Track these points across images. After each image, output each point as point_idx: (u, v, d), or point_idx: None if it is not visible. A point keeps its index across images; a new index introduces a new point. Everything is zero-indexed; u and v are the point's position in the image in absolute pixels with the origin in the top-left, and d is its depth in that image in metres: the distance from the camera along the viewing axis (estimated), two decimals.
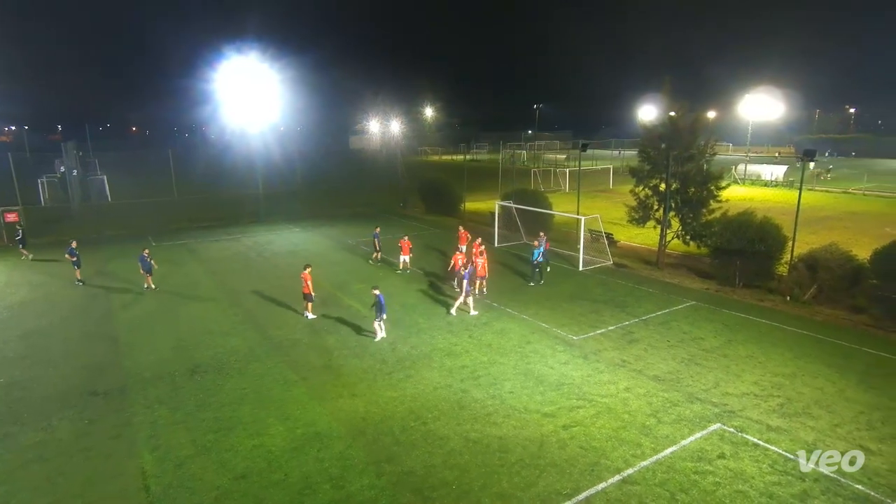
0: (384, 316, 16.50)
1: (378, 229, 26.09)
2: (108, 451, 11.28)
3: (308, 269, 18.38)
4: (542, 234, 23.49)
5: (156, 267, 22.16)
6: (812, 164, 57.65)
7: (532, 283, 22.20)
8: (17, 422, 12.36)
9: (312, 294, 18.52)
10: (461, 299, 18.91)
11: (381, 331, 16.71)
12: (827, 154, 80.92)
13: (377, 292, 16.28)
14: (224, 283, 22.85)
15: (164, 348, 16.27)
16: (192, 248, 29.57)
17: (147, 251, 21.97)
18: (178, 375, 14.51)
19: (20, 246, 26.99)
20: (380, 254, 25.47)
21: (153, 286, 21.88)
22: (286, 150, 58.74)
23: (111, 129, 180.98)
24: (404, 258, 24.09)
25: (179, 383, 14.08)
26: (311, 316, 18.58)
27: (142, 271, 21.80)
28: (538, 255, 21.94)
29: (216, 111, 43.97)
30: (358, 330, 17.51)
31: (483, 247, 21.74)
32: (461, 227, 26.33)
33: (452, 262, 21.32)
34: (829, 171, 57.40)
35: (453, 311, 18.89)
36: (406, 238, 24.26)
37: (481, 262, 20.45)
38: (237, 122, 41.47)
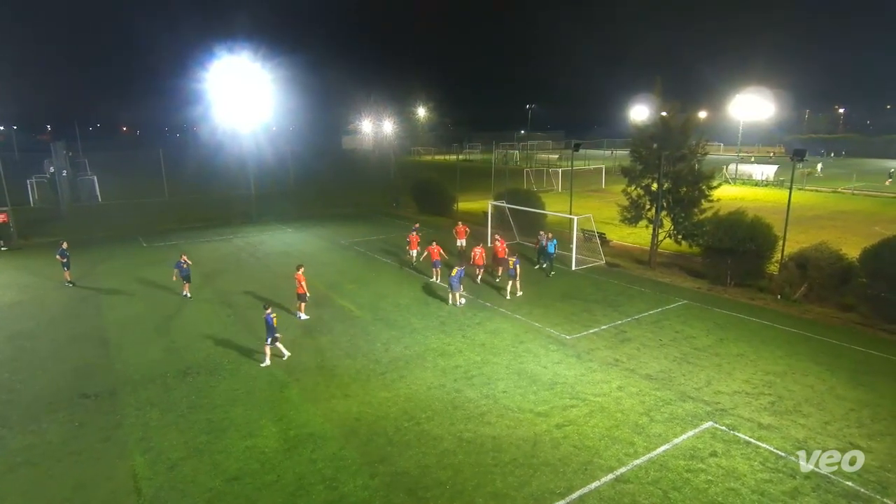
0: (278, 336, 15.05)
1: (417, 225, 26.77)
2: (98, 453, 11.18)
3: (301, 270, 18.34)
4: (541, 232, 24.35)
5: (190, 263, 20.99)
6: (820, 166, 58.13)
7: (551, 274, 23.34)
8: (6, 425, 12.23)
9: (307, 294, 18.49)
10: (457, 296, 19.67)
11: (268, 357, 15.11)
12: (823, 154, 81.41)
13: (269, 311, 14.95)
14: (216, 284, 22.71)
15: (155, 350, 16.16)
16: (183, 249, 29.28)
17: (184, 256, 20.82)
18: (169, 377, 14.40)
19: None
20: (418, 249, 25.26)
21: (188, 294, 20.78)
22: (278, 150, 58.52)
23: (101, 128, 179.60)
24: (414, 252, 24.98)
25: (171, 385, 13.98)
26: (303, 316, 18.51)
27: (179, 278, 20.55)
28: (552, 248, 23.23)
29: (207, 111, 43.76)
30: (351, 330, 17.47)
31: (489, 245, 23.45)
32: (460, 223, 27.13)
33: (427, 252, 22.57)
34: (890, 175, 52.76)
35: (460, 302, 19.69)
36: (414, 233, 25.31)
37: (479, 251, 22.12)
38: (229, 122, 41.24)
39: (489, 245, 23.51)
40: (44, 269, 24.75)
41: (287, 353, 15.37)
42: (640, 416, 12.26)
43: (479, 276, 22.48)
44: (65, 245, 22.38)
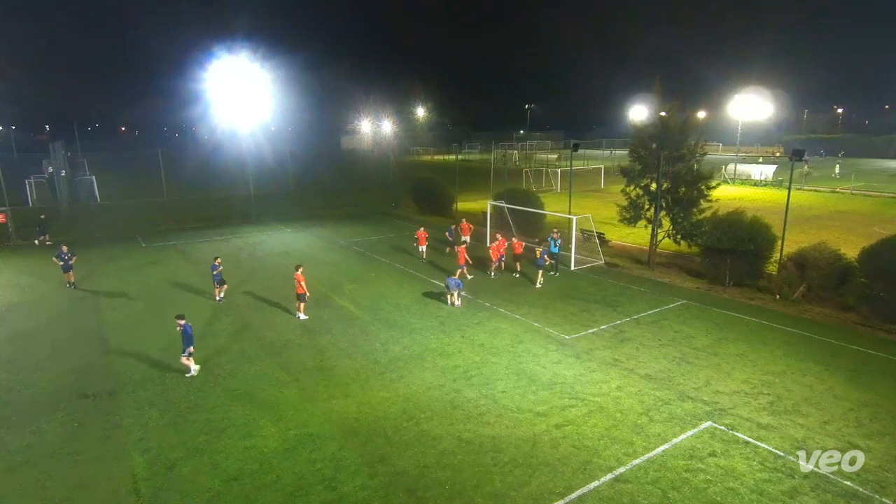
0: (191, 349, 14.26)
1: (453, 226, 27.50)
2: (97, 454, 11.18)
3: (300, 270, 18.35)
4: (556, 230, 24.69)
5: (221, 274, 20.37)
6: (838, 168, 57.77)
7: (553, 273, 23.55)
8: (5, 425, 12.22)
9: (306, 294, 18.49)
10: (454, 297, 19.63)
11: (193, 366, 14.43)
12: (823, 154, 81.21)
13: (182, 322, 14.17)
14: (215, 284, 22.65)
15: (154, 350, 16.14)
16: (181, 250, 29.36)
17: (218, 259, 20.35)
18: (168, 377, 14.39)
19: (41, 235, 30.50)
20: (455, 248, 25.46)
21: (221, 297, 20.35)
22: (277, 151, 58.44)
23: (100, 128, 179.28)
24: (422, 248, 26.13)
25: (170, 385, 13.98)
26: (303, 316, 18.51)
27: (214, 282, 20.31)
28: (555, 248, 23.55)
29: (206, 111, 43.73)
30: (350, 330, 17.48)
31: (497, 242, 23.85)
32: (464, 220, 27.86)
33: (459, 254, 22.80)
34: None
35: (457, 301, 19.65)
36: (422, 229, 26.62)
37: (494, 246, 23.34)
38: (228, 122, 41.23)
39: (489, 245, 23.85)
40: (43, 269, 24.71)
41: (194, 370, 14.44)
42: (639, 416, 12.27)
43: (493, 272, 23.35)
44: (64, 248, 22.04)
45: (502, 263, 23.77)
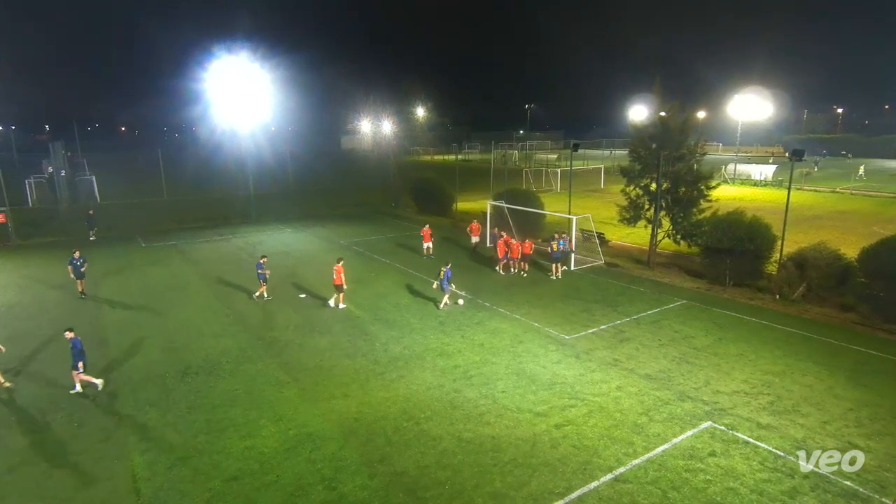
0: (82, 364, 13.50)
1: (496, 230, 27.50)
2: (98, 454, 11.18)
3: (341, 262, 19.24)
4: (562, 233, 24.64)
5: (268, 273, 20.32)
6: (862, 169, 56.45)
7: (550, 275, 23.79)
8: (6, 425, 12.24)
9: (343, 286, 19.10)
10: (445, 298, 19.57)
11: (78, 384, 13.62)
12: (825, 154, 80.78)
13: (70, 335, 13.54)
14: (215, 284, 22.70)
15: (154, 350, 16.16)
16: (181, 249, 29.36)
17: (265, 259, 20.28)
18: (168, 377, 14.40)
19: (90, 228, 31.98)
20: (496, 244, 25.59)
21: (266, 296, 20.37)
22: (277, 151, 58.45)
23: (100, 128, 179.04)
24: (427, 245, 26.82)
25: (170, 385, 13.99)
26: (342, 306, 19.21)
27: (260, 281, 20.22)
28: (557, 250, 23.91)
29: (206, 111, 43.69)
30: (350, 330, 17.48)
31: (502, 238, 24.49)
32: (476, 220, 28.51)
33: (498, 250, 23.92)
34: None
35: (459, 301, 19.85)
36: (427, 227, 27.27)
37: (515, 245, 23.80)
38: (228, 122, 41.21)
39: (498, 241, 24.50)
40: (43, 269, 24.74)
41: (81, 386, 13.64)
42: (639, 416, 12.27)
43: (517, 269, 23.90)
44: (76, 254, 20.94)
45: (512, 262, 24.02)
